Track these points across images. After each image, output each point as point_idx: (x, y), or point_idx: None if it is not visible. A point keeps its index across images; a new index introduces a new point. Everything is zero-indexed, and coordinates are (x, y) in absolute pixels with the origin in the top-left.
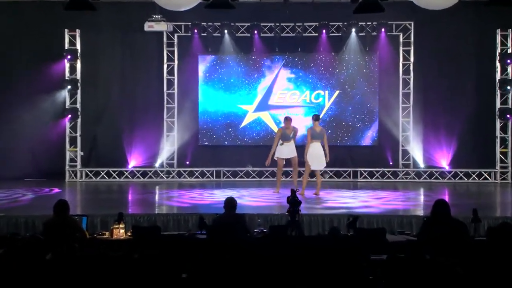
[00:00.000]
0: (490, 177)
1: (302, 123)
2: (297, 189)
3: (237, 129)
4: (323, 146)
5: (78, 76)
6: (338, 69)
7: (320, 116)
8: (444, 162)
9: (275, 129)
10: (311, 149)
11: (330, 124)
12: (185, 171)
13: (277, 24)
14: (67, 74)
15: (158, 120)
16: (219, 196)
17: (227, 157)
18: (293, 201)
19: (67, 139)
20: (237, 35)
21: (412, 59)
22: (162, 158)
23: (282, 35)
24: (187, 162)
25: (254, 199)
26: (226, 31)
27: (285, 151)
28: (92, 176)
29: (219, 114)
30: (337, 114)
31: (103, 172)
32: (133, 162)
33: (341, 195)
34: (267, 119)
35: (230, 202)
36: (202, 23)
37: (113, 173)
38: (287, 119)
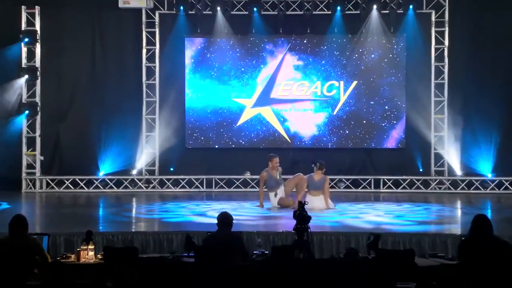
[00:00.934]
0: None
1: (311, 121)
2: (305, 202)
3: (232, 128)
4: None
5: (38, 63)
6: (356, 55)
7: (320, 164)
8: (486, 169)
9: (279, 128)
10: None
11: (346, 123)
12: (168, 180)
13: None
14: (23, 60)
15: (135, 118)
16: (210, 210)
17: (220, 162)
18: (301, 216)
19: (24, 141)
20: (232, 13)
21: (446, 42)
22: (140, 164)
23: (287, 13)
24: (171, 169)
25: (253, 214)
26: (218, 8)
27: (280, 196)
28: (55, 186)
29: (210, 110)
30: (355, 110)
31: (68, 181)
32: (105, 169)
33: (359, 209)
34: (269, 116)
35: (224, 218)
36: None
37: (80, 183)
38: (272, 159)
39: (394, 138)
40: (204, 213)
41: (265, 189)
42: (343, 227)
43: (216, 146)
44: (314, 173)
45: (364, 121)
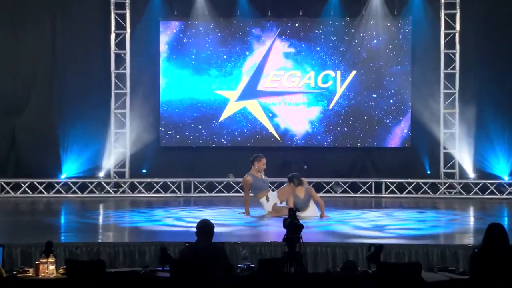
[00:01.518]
0: None
1: (304, 116)
2: (297, 208)
3: (214, 124)
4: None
5: None
6: (355, 41)
7: (298, 180)
8: (502, 171)
9: (268, 124)
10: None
11: (343, 118)
12: (141, 184)
13: None
14: None
15: (103, 112)
16: (189, 218)
17: (199, 164)
18: (292, 225)
19: None
20: None
21: (458, 26)
22: (108, 165)
23: None
24: (144, 171)
25: (237, 222)
26: None
27: (274, 202)
28: (10, 190)
29: (189, 103)
30: (354, 104)
31: (25, 184)
32: (68, 171)
33: (359, 217)
34: (255, 110)
35: (205, 227)
36: None
37: (39, 186)
38: (260, 159)
39: (398, 136)
40: (182, 221)
41: (251, 194)
42: (339, 237)
43: (195, 145)
44: (295, 190)
45: (365, 117)
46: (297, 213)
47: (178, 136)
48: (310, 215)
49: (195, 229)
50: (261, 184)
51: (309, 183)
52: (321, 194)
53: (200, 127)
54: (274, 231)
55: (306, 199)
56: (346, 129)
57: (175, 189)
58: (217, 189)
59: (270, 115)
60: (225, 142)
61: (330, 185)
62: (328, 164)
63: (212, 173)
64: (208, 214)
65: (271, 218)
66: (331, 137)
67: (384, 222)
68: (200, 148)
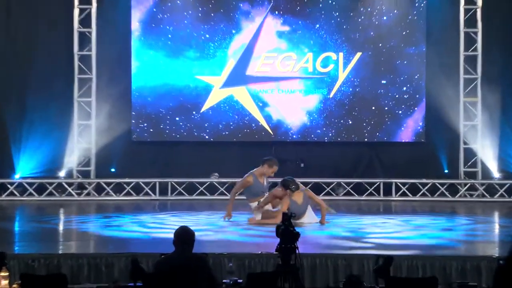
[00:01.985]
0: None
1: (301, 106)
2: (292, 213)
3: (195, 115)
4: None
5: None
6: (361, 18)
7: (295, 185)
8: None
9: (258, 116)
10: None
11: (347, 108)
12: (108, 185)
13: None
14: None
15: (64, 101)
16: (165, 225)
17: (178, 161)
18: (287, 233)
19: None
20: None
21: (480, 2)
22: (71, 163)
23: None
24: (113, 170)
25: (222, 229)
26: None
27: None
28: None
29: (165, 91)
30: (359, 92)
31: None
32: (23, 170)
33: (364, 223)
34: (244, 99)
35: (184, 235)
36: None
37: None
38: (271, 164)
39: (411, 129)
40: (157, 229)
41: (243, 197)
42: (343, 248)
43: (172, 140)
44: (292, 195)
45: (372, 107)
46: (292, 220)
47: (152, 130)
48: (307, 221)
49: (172, 238)
50: (259, 190)
51: (306, 184)
52: (320, 197)
53: (178, 118)
54: (266, 240)
55: (305, 204)
56: (350, 122)
57: (149, 191)
58: (198, 191)
59: (261, 104)
60: (207, 136)
61: (331, 186)
62: (328, 162)
63: (193, 173)
64: (188, 220)
65: (262, 226)
66: (332, 131)
67: (393, 229)
68: (178, 144)
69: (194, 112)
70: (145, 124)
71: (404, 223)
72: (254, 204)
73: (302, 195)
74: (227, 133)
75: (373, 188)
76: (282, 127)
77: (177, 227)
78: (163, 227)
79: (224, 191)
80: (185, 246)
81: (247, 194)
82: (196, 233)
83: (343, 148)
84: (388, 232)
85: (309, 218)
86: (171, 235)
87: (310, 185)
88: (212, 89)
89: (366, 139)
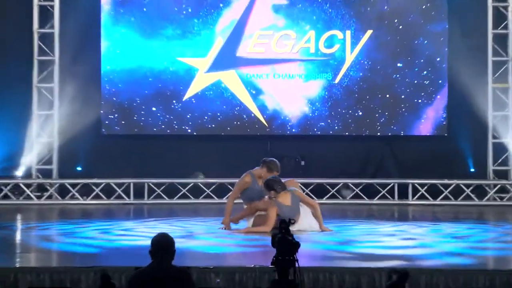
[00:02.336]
0: None
1: (301, 93)
2: (291, 220)
3: (176, 105)
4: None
5: None
6: None
7: (280, 185)
8: None
9: (250, 104)
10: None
11: (356, 97)
12: (74, 186)
13: None
14: None
15: (22, 87)
16: (140, 233)
17: (156, 159)
18: (284, 243)
19: None
20: None
21: None
22: (29, 160)
23: None
24: (79, 169)
25: (208, 238)
26: None
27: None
28: None
29: (141, 75)
30: (370, 77)
31: None
32: None
33: (375, 231)
34: (234, 85)
35: (162, 244)
36: None
37: None
38: (275, 167)
39: (430, 120)
40: (131, 238)
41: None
42: (351, 260)
43: (149, 134)
44: (278, 196)
45: (386, 94)
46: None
47: (124, 121)
48: (305, 228)
49: (148, 247)
50: (256, 193)
51: (307, 185)
52: (324, 201)
53: (155, 108)
54: (259, 251)
55: (295, 205)
56: (359, 112)
57: (122, 194)
58: (179, 194)
59: (254, 92)
60: (190, 130)
61: (337, 188)
62: (334, 159)
63: (174, 173)
64: (168, 227)
65: (253, 235)
66: (338, 123)
67: (409, 239)
68: (156, 138)
69: (174, 101)
70: (117, 115)
71: (422, 231)
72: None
73: (290, 196)
74: (213, 125)
75: (386, 190)
76: (279, 118)
77: (154, 235)
78: (138, 235)
79: (211, 194)
80: (164, 257)
81: (243, 197)
82: (177, 243)
83: (352, 144)
84: (404, 242)
85: (308, 225)
86: (148, 244)
87: (311, 187)
88: (196, 73)
89: (378, 133)
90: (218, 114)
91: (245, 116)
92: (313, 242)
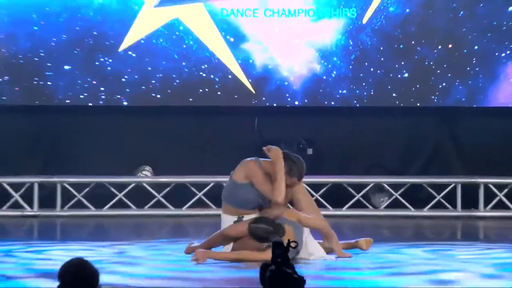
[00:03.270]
0: None
1: (306, 40)
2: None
3: (106, 59)
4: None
5: None
6: None
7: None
8: None
9: (227, 58)
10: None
11: (396, 49)
12: None
13: None
14: None
15: None
16: (45, 259)
17: (75, 146)
18: (280, 279)
19: None
20: None
21: None
22: None
23: None
24: None
25: (162, 267)
26: None
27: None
28: None
29: (46, 11)
30: (419, 15)
31: None
32: None
33: (423, 258)
34: (200, 25)
35: (78, 275)
36: None
37: None
38: (293, 166)
39: (506, 88)
40: (30, 267)
41: (231, 207)
42: None
43: (65, 105)
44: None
45: (449, 44)
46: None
47: (18, 88)
48: (312, 255)
49: (56, 281)
50: (255, 196)
51: (317, 187)
52: (344, 212)
53: (69, 67)
54: (242, 281)
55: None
56: (404, 72)
57: (21, 201)
58: (113, 201)
59: (233, 39)
60: (127, 101)
61: (364, 191)
62: (359, 147)
63: (103, 168)
64: (86, 251)
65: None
66: (367, 89)
67: (478, 271)
68: (73, 113)
69: (101, 55)
70: (9, 77)
71: (501, 259)
72: (230, 217)
73: (293, 233)
74: (169, 91)
75: (443, 194)
76: (273, 81)
77: (64, 263)
78: (41, 263)
79: (163, 201)
80: None
81: (232, 200)
82: (102, 273)
83: (388, 122)
84: (470, 276)
85: (314, 251)
86: (55, 277)
87: (323, 190)
88: (140, 9)
89: (432, 104)
90: (174, 75)
91: (217, 78)
92: (329, 277)
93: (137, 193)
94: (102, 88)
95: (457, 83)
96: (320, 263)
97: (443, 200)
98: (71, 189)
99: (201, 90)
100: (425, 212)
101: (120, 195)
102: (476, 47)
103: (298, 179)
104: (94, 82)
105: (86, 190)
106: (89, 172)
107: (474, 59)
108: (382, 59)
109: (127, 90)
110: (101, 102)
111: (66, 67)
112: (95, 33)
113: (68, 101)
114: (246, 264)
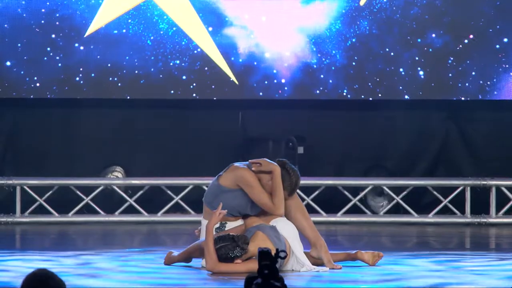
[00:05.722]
0: None
1: (297, 24)
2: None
3: (68, 46)
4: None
5: None
6: None
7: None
8: None
9: (209, 47)
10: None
11: (398, 33)
12: None
13: None
14: None
15: None
16: (5, 270)
17: (37, 143)
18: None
19: None
20: None
21: None
22: None
23: None
24: None
25: (123, 279)
26: None
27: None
28: None
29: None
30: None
31: None
32: None
33: (426, 270)
34: (176, 7)
35: (42, 287)
36: None
37: None
38: (285, 176)
39: None
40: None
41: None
42: None
43: (25, 98)
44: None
45: (448, 31)
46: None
47: None
48: (305, 263)
49: None
50: (246, 203)
51: (309, 190)
52: (339, 218)
53: (34, 57)
54: None
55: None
56: (397, 58)
57: None
58: (80, 206)
59: (211, 29)
60: (94, 94)
61: (361, 195)
62: (356, 145)
63: (67, 169)
64: (47, 262)
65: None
66: (365, 80)
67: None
68: (32, 106)
69: (63, 43)
70: None
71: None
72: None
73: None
74: (142, 82)
75: (450, 198)
76: (259, 70)
77: (27, 275)
78: (3, 272)
79: (135, 206)
80: None
81: (216, 204)
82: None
83: (389, 116)
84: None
85: (304, 260)
86: None
87: (316, 193)
88: None
89: (439, 97)
90: (146, 64)
91: (196, 67)
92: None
93: (106, 197)
94: (65, 78)
95: (467, 73)
96: (313, 275)
97: (450, 205)
98: (31, 192)
99: (177, 82)
100: (430, 218)
101: (87, 199)
102: (490, 30)
103: (289, 194)
104: (62, 70)
105: (48, 194)
106: (52, 174)
107: (485, 46)
108: (381, 46)
109: (93, 79)
110: (63, 94)
111: (33, 55)
112: (56, 15)
113: (24, 94)
114: (228, 276)
